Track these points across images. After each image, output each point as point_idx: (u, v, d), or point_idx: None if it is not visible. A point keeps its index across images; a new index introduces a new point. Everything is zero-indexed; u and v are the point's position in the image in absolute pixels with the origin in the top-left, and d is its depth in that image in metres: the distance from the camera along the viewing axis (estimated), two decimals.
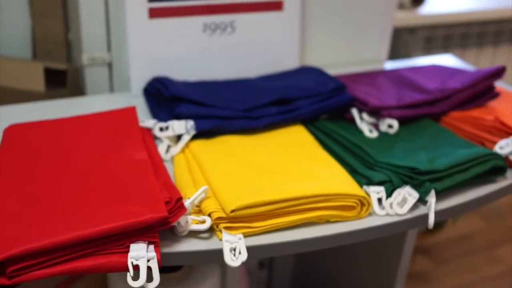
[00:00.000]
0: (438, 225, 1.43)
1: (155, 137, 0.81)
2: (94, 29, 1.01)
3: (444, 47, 1.69)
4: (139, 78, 0.95)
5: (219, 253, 0.62)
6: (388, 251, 0.93)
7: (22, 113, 0.87)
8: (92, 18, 1.00)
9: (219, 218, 0.63)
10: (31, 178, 0.68)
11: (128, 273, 0.58)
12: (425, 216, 0.70)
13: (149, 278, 0.58)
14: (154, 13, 0.93)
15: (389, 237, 0.88)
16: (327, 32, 1.09)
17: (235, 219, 0.64)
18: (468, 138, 0.85)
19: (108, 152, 0.73)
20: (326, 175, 0.72)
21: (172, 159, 0.77)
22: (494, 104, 0.94)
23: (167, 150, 0.78)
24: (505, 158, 0.78)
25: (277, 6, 1.00)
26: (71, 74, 1.09)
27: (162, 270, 0.78)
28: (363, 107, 0.86)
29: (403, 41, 1.72)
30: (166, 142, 0.79)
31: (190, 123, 0.78)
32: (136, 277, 0.57)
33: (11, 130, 0.78)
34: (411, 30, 1.68)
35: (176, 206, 0.63)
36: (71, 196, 0.64)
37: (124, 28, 0.95)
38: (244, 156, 0.76)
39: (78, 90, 1.10)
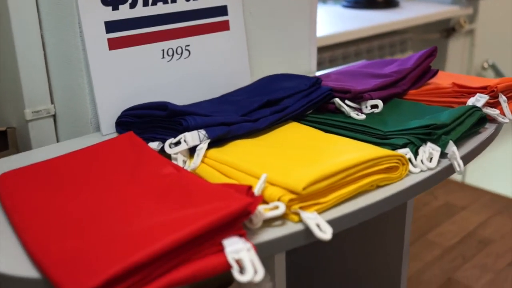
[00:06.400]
0: None
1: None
2: (35, 83, 0.94)
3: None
4: (107, 114, 0.90)
5: (303, 233, 0.61)
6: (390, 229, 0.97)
7: None
8: (32, 71, 0.93)
9: (291, 200, 0.62)
10: (75, 205, 0.60)
11: (233, 269, 0.54)
12: (449, 167, 0.76)
13: None
14: (114, 44, 0.90)
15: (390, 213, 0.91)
16: (267, 50, 1.13)
17: (306, 197, 0.63)
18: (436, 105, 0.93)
19: (134, 173, 0.68)
20: (356, 147, 0.74)
21: (193, 172, 0.74)
22: (436, 80, 1.05)
23: (183, 166, 0.75)
24: None
25: (225, 26, 1.03)
26: (11, 134, 0.99)
27: None
28: (344, 95, 0.90)
29: None
30: (181, 158, 0.75)
31: (202, 132, 0.76)
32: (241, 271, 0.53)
33: (5, 177, 0.69)
34: None
35: (249, 195, 0.60)
36: (133, 212, 0.59)
37: (80, 67, 0.89)
38: (271, 151, 0.75)
39: (23, 148, 1.00)
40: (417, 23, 1.99)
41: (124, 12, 0.90)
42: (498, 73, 2.25)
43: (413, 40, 2.07)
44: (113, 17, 0.89)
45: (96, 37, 0.88)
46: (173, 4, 0.95)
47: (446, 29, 2.09)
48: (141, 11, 0.92)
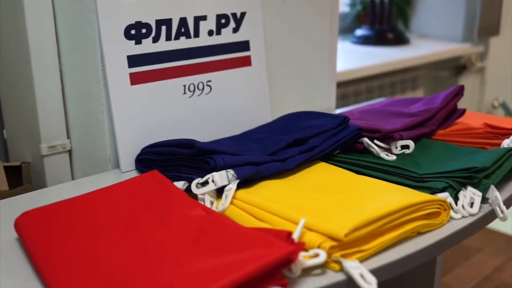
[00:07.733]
0: None
1: None
2: (52, 117, 0.92)
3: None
4: (127, 150, 0.86)
5: (345, 284, 0.57)
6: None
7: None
8: (49, 106, 0.91)
9: (332, 248, 0.58)
10: (104, 248, 0.56)
11: None
12: (491, 212, 0.72)
13: None
14: (135, 79, 0.87)
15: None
16: (287, 87, 1.11)
17: (347, 244, 0.59)
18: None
19: (163, 215, 0.64)
20: (394, 191, 0.70)
21: (222, 214, 0.70)
22: (463, 120, 1.01)
23: (210, 207, 0.71)
24: None
25: (247, 61, 1.00)
26: (26, 170, 0.95)
27: None
28: (373, 134, 0.87)
29: None
30: (208, 198, 0.71)
31: (231, 172, 0.72)
32: None
33: (26, 218, 0.65)
34: None
35: (289, 242, 0.56)
36: (168, 259, 0.55)
37: (101, 101, 0.86)
38: (303, 193, 0.71)
39: (37, 183, 0.96)
40: (428, 60, 1.99)
41: (147, 46, 0.87)
42: (508, 112, 2.24)
43: (424, 77, 2.06)
44: (135, 51, 0.86)
45: (118, 71, 0.85)
46: (196, 39, 0.93)
47: (457, 66, 2.08)
48: (163, 45, 0.89)
